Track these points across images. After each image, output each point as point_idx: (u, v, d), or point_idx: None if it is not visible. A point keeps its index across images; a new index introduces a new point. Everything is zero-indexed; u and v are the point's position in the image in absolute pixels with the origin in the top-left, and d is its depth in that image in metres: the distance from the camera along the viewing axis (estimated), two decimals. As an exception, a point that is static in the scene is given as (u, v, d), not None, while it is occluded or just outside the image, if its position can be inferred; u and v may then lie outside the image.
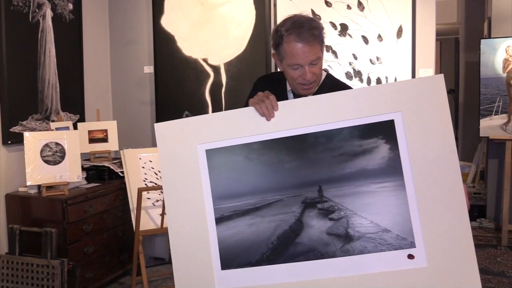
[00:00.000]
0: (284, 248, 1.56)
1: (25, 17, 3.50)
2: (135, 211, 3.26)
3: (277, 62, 1.87)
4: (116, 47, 4.50)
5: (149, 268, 3.52)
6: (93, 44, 4.29)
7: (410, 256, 1.51)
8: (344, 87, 1.87)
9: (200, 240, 1.61)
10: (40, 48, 3.64)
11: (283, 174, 1.59)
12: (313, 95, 1.82)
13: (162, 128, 1.67)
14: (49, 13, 3.71)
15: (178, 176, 1.64)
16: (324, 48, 1.84)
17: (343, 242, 1.53)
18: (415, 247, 1.50)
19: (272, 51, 1.87)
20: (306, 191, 1.57)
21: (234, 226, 1.60)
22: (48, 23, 3.71)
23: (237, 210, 1.60)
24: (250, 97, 1.70)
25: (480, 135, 4.75)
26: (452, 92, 7.75)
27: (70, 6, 3.95)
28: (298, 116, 1.59)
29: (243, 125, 1.61)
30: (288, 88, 1.92)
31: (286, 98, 1.88)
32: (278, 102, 1.61)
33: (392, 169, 1.53)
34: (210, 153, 1.62)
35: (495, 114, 4.57)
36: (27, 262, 3.02)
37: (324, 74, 1.93)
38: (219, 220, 1.61)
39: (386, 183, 1.53)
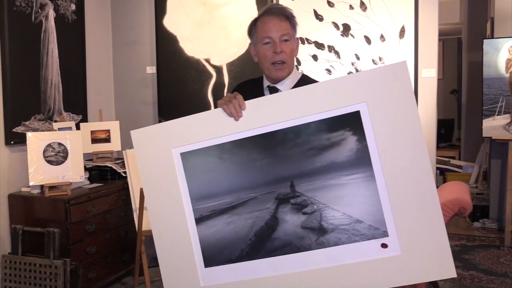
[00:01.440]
0: (262, 244, 1.61)
1: (28, 17, 3.51)
2: (138, 211, 3.27)
3: (252, 52, 1.99)
4: (118, 48, 4.50)
5: (151, 268, 3.52)
6: (96, 45, 4.30)
7: (384, 245, 1.52)
8: None
9: (182, 241, 1.67)
10: (43, 49, 3.65)
11: (255, 172, 1.62)
12: None
13: (138, 135, 1.71)
14: (51, 14, 3.72)
15: (156, 180, 1.69)
16: (297, 43, 1.97)
17: (318, 235, 1.56)
18: (388, 236, 1.52)
19: (249, 43, 2.01)
20: (278, 187, 1.60)
21: (213, 225, 1.65)
22: (50, 24, 3.72)
23: (215, 209, 1.65)
24: None
25: (483, 135, 4.75)
26: (455, 92, 7.75)
27: (73, 6, 3.96)
28: (266, 114, 1.61)
29: (214, 127, 1.64)
30: (265, 85, 1.99)
31: (263, 95, 1.93)
32: (246, 101, 1.63)
33: (361, 160, 1.54)
34: (184, 156, 1.66)
35: (498, 114, 4.57)
36: (30, 262, 3.03)
37: (300, 74, 2.01)
38: (198, 220, 1.66)
39: (356, 175, 1.54)
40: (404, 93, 1.51)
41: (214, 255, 1.65)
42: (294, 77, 1.97)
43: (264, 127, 1.61)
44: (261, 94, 1.97)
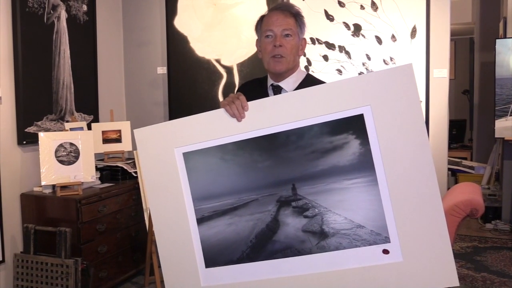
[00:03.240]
0: (263, 246, 1.60)
1: (40, 18, 3.53)
2: (148, 211, 3.28)
3: (258, 48, 2.00)
4: (129, 48, 4.53)
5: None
6: (107, 45, 4.33)
7: (385, 251, 1.50)
8: None
9: (184, 240, 1.67)
10: (55, 49, 3.68)
11: (257, 173, 1.61)
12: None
13: (141, 134, 1.71)
14: (63, 15, 3.75)
15: (158, 179, 1.69)
16: (302, 43, 1.95)
17: (319, 239, 1.55)
18: (389, 242, 1.50)
19: (256, 39, 2.02)
20: (280, 189, 1.59)
21: (215, 226, 1.65)
22: (62, 25, 3.75)
23: (217, 210, 1.64)
24: None
25: (496, 136, 4.70)
26: (466, 93, 7.68)
27: (84, 7, 3.98)
28: (269, 115, 1.59)
29: (216, 127, 1.63)
30: (269, 84, 1.98)
31: (267, 95, 1.93)
32: (249, 102, 1.62)
33: (364, 165, 1.51)
34: (187, 156, 1.66)
35: (510, 115, 4.52)
36: (42, 261, 3.05)
37: (305, 73, 2.00)
38: (200, 221, 1.66)
39: (358, 179, 1.52)
40: (410, 96, 1.47)
41: (215, 256, 1.65)
42: (298, 76, 1.95)
43: (266, 129, 1.59)
44: (265, 92, 1.97)
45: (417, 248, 1.48)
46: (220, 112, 1.64)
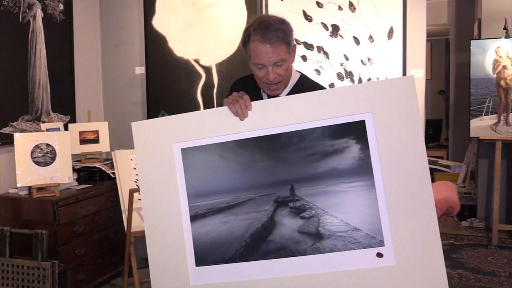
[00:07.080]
0: (257, 246, 1.60)
1: (15, 17, 3.48)
2: (127, 212, 3.25)
3: (247, 59, 1.91)
4: (107, 48, 4.48)
5: (140, 270, 3.50)
6: (84, 45, 4.27)
7: (379, 255, 1.54)
8: (318, 87, 1.90)
9: (175, 237, 1.65)
10: (31, 49, 3.62)
11: (256, 173, 1.62)
12: (287, 95, 1.86)
13: (139, 127, 1.71)
14: (39, 14, 3.69)
15: (154, 174, 1.67)
16: (293, 50, 1.85)
17: (314, 240, 1.57)
18: (384, 245, 1.54)
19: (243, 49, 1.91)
20: (278, 190, 1.60)
21: (209, 224, 1.64)
22: (38, 24, 3.69)
23: (212, 208, 1.64)
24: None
25: (471, 135, 4.78)
26: (442, 93, 7.80)
27: (61, 6, 3.93)
28: (272, 116, 1.61)
29: (218, 125, 1.64)
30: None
31: (260, 98, 1.89)
32: (252, 102, 1.64)
33: (363, 169, 1.55)
34: (185, 151, 1.66)
35: (485, 115, 4.60)
36: (18, 264, 3.00)
37: (298, 75, 1.97)
38: (193, 218, 1.65)
39: (357, 183, 1.56)
40: (410, 106, 1.54)
41: (206, 254, 1.63)
42: (292, 79, 1.93)
43: (268, 129, 1.61)
44: (258, 95, 1.93)
45: (410, 253, 1.52)
46: (223, 110, 1.65)
